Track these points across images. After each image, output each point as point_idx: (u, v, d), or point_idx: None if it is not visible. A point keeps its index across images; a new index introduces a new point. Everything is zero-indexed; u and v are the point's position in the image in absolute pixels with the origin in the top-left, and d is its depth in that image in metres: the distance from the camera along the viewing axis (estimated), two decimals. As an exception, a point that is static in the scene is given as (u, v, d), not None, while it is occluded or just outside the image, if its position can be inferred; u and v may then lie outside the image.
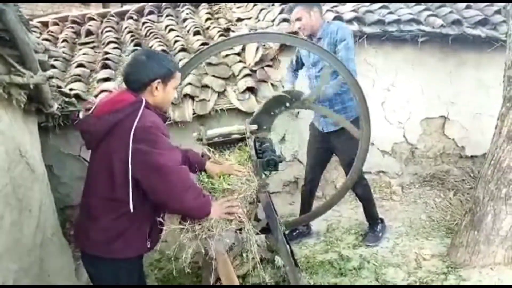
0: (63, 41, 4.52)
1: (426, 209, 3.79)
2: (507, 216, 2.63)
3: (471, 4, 4.41)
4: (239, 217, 2.03)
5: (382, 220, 3.36)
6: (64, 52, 4.21)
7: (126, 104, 1.61)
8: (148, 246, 1.81)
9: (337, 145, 3.10)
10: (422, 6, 4.34)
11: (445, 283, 2.68)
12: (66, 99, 2.99)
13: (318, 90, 2.73)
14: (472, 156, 4.56)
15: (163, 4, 5.28)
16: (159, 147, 1.58)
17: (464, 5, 4.39)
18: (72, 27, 4.93)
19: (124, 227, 1.66)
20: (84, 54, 4.19)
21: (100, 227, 1.65)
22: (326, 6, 4.21)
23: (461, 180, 4.27)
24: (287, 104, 2.71)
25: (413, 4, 4.42)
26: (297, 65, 3.27)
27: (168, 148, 1.63)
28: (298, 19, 2.96)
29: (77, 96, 3.28)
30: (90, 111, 1.68)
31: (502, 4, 4.30)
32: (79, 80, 3.60)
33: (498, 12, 4.26)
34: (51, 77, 2.44)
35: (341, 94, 2.95)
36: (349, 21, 3.97)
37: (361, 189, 3.19)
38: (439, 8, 4.36)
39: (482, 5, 4.43)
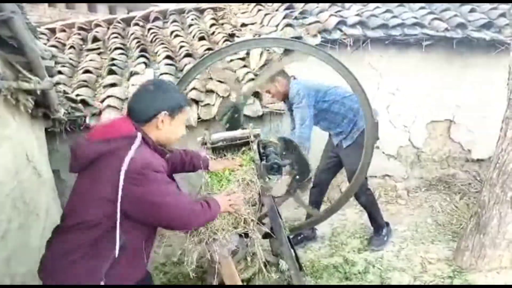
0: (70, 47, 4.58)
1: (432, 213, 3.77)
2: (513, 220, 2.61)
3: (476, 7, 4.41)
4: (245, 219, 2.05)
5: (387, 224, 3.35)
6: (71, 58, 4.26)
7: (119, 135, 1.46)
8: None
9: (344, 155, 3.13)
10: (426, 10, 4.35)
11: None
12: (73, 105, 3.04)
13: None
14: (478, 160, 4.54)
15: (168, 10, 5.33)
16: (153, 186, 1.45)
17: (468, 8, 4.38)
18: (79, 34, 4.99)
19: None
20: (90, 60, 4.24)
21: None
22: (330, 11, 4.24)
23: (468, 184, 4.24)
24: (284, 153, 2.63)
25: (417, 7, 4.43)
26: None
27: (164, 183, 1.50)
28: (267, 91, 3.20)
29: (83, 102, 3.32)
30: (87, 135, 1.53)
31: (507, 7, 4.31)
32: (86, 86, 3.64)
33: (502, 15, 4.26)
34: (58, 83, 2.49)
35: (344, 113, 3.03)
36: (353, 25, 3.99)
37: (364, 198, 3.19)
38: (443, 11, 4.36)
39: (486, 8, 4.42)
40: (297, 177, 2.58)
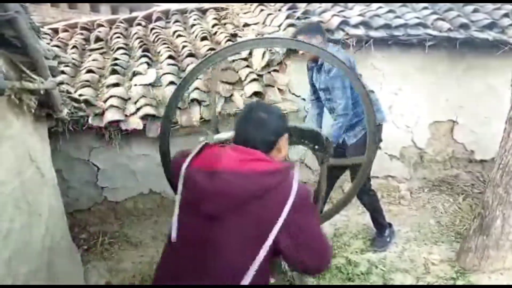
0: (73, 47, 4.59)
1: (435, 214, 3.76)
2: (517, 221, 2.60)
3: (479, 7, 4.39)
4: None
5: (390, 225, 3.34)
6: (73, 58, 4.26)
7: (275, 168, 1.33)
8: None
9: (349, 154, 3.08)
10: (430, 10, 4.33)
11: (454, 288, 2.66)
12: (76, 105, 3.04)
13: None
14: (481, 161, 4.52)
15: (171, 10, 5.33)
16: (314, 216, 1.40)
17: (471, 8, 4.37)
18: (82, 34, 4.99)
19: None
20: (93, 60, 4.25)
21: None
22: (333, 11, 4.23)
23: (471, 185, 4.23)
24: (316, 147, 2.59)
25: (420, 7, 4.42)
26: (315, 93, 3.26)
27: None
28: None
29: (86, 102, 3.33)
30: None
31: (511, 7, 4.29)
32: (89, 86, 3.64)
33: (506, 15, 4.24)
34: (61, 83, 2.49)
35: (356, 108, 2.94)
36: (356, 26, 3.98)
37: (367, 198, 3.18)
38: (446, 11, 4.35)
39: (489, 8, 4.40)
40: (316, 147, 2.46)
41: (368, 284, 2.79)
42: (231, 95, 3.77)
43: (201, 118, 3.54)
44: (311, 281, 2.80)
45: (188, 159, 1.39)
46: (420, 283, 2.77)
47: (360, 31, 3.93)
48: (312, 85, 3.23)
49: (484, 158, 4.49)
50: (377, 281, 2.81)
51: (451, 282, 2.72)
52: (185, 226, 1.35)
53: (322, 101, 3.17)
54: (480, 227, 2.79)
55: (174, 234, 1.35)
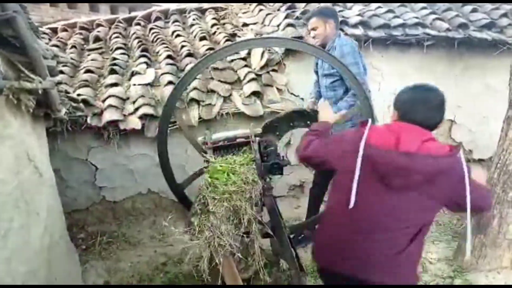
0: (71, 47, 4.59)
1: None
2: (514, 220, 2.61)
3: (478, 7, 4.40)
4: (248, 219, 2.06)
5: None
6: (72, 58, 4.27)
7: (448, 152, 1.54)
8: None
9: None
10: (428, 10, 4.34)
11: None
12: (74, 104, 3.03)
13: (342, 117, 2.66)
14: (479, 160, 4.53)
15: (170, 10, 5.33)
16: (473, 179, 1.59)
17: (470, 8, 4.38)
18: (81, 33, 5.00)
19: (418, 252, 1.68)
20: (92, 59, 4.25)
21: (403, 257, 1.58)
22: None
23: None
24: (308, 122, 2.70)
25: (419, 7, 4.43)
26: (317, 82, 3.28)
27: None
28: (314, 28, 3.01)
29: (85, 101, 3.33)
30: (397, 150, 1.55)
31: (509, 7, 4.30)
32: (87, 86, 3.65)
33: (504, 15, 4.25)
34: (59, 83, 2.49)
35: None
36: (355, 26, 3.99)
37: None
38: (445, 11, 4.36)
39: (488, 8, 4.41)
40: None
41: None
42: (230, 94, 3.78)
43: (200, 117, 3.54)
44: (308, 280, 2.80)
45: (364, 138, 1.60)
46: (418, 282, 2.77)
47: (359, 31, 3.94)
48: (316, 73, 3.25)
49: (482, 157, 4.50)
50: (375, 280, 2.81)
51: (448, 281, 2.72)
52: (364, 194, 1.57)
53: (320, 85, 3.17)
54: (477, 226, 2.80)
55: (353, 200, 1.56)
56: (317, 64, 3.20)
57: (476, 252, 2.78)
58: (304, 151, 1.88)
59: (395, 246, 1.57)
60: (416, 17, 4.15)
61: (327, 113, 2.26)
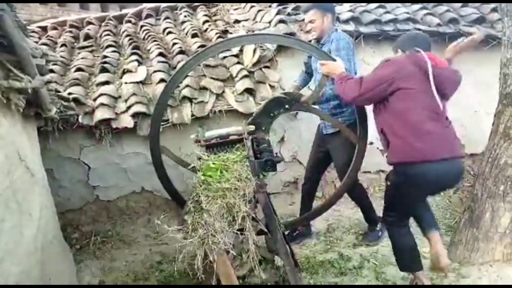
0: (62, 45, 4.54)
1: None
2: (505, 213, 2.63)
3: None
4: (242, 216, 2.06)
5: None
6: (62, 57, 4.23)
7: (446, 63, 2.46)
8: None
9: (331, 148, 3.12)
10: (419, 5, 4.36)
11: (445, 280, 2.69)
12: (65, 103, 3.01)
13: (316, 93, 2.75)
14: (471, 154, 4.56)
15: (161, 7, 5.29)
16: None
17: (460, 3, 4.40)
18: (71, 32, 4.95)
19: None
20: (82, 58, 4.21)
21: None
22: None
23: (461, 178, 4.26)
24: (287, 106, 2.73)
25: (409, 3, 4.44)
26: (307, 69, 3.30)
27: None
28: (311, 21, 3.01)
29: (76, 100, 3.30)
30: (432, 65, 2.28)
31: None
32: (78, 84, 3.62)
33: (494, 10, 4.28)
34: (49, 82, 2.47)
35: (340, 98, 2.96)
36: (346, 21, 4.00)
37: (356, 193, 3.22)
38: (435, 6, 4.38)
39: (478, 3, 4.44)
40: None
41: (361, 278, 2.81)
42: (223, 91, 3.77)
43: (192, 115, 3.53)
44: (304, 276, 2.82)
45: (428, 61, 2.28)
46: (412, 276, 2.79)
47: (350, 27, 3.95)
48: (305, 64, 3.28)
49: (474, 151, 4.53)
50: (369, 275, 2.83)
51: (442, 275, 2.74)
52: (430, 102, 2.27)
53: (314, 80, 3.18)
54: (470, 220, 2.83)
55: (440, 106, 2.30)
56: (310, 57, 3.20)
57: (469, 245, 2.81)
58: (356, 92, 2.36)
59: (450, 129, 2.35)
60: (407, 13, 4.17)
61: (338, 65, 2.59)
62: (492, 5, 4.33)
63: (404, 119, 2.26)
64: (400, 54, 2.53)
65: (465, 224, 2.87)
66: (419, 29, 4.01)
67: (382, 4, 4.29)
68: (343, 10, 4.15)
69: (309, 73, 3.31)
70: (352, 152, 2.83)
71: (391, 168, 3.42)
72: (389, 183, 2.51)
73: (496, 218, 2.68)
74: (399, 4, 4.39)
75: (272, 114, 2.74)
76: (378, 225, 3.30)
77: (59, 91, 3.01)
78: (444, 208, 3.74)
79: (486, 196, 2.72)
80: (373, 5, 4.26)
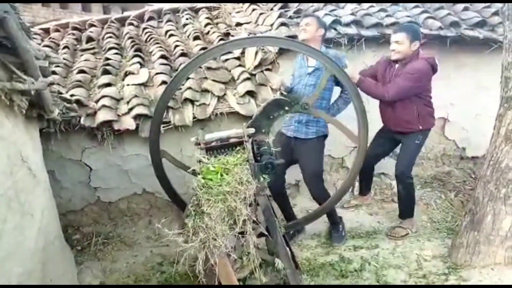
0: (64, 47, 4.56)
1: (427, 211, 3.79)
2: (507, 216, 2.63)
3: (469, 6, 4.43)
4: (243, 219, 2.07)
5: (341, 219, 3.41)
6: (65, 59, 4.24)
7: None
8: None
9: (302, 153, 3.15)
10: (420, 9, 4.36)
11: (446, 284, 2.69)
12: (67, 105, 3.02)
13: (316, 93, 2.78)
14: (473, 157, 4.57)
15: (163, 9, 5.32)
16: None
17: (462, 7, 4.41)
18: (73, 34, 4.97)
19: None
20: (85, 60, 4.23)
21: None
22: (325, 10, 4.25)
23: (462, 181, 4.27)
24: (286, 108, 2.75)
25: (411, 6, 4.45)
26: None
27: None
28: (307, 24, 3.11)
29: (78, 102, 3.31)
30: None
31: (499, 5, 4.33)
32: (80, 86, 3.63)
33: (496, 13, 4.28)
34: (52, 83, 2.47)
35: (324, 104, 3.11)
36: (348, 25, 4.00)
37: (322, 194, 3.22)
38: (437, 10, 4.38)
39: (480, 6, 4.45)
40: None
41: (362, 281, 2.81)
42: (224, 94, 3.78)
43: (194, 117, 3.53)
44: (304, 278, 2.82)
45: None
46: (413, 279, 2.79)
47: (352, 30, 3.96)
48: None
49: (475, 155, 4.53)
50: (370, 278, 2.83)
51: (443, 278, 2.74)
52: None
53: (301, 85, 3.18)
54: (471, 223, 2.83)
55: None
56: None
57: (470, 249, 2.80)
58: (391, 95, 3.08)
59: None
60: (408, 16, 4.17)
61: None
62: (493, 8, 4.34)
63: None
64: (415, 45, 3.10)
65: (467, 227, 2.86)
66: (421, 33, 4.00)
67: (383, 7, 4.30)
68: (345, 13, 4.16)
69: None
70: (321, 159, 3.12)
71: (393, 171, 3.48)
72: (416, 142, 3.25)
73: (498, 222, 2.67)
74: (400, 8, 4.40)
75: (271, 117, 2.75)
76: (340, 226, 3.35)
77: (61, 93, 3.03)
78: (445, 211, 3.74)
79: (488, 199, 2.72)
80: (374, 9, 4.27)
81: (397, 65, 3.20)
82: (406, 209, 3.43)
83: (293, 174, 4.10)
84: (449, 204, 3.86)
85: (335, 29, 3.97)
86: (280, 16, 4.19)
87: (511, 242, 2.63)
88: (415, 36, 3.10)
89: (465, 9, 4.39)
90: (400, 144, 3.38)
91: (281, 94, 3.03)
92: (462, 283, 2.66)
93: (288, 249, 2.48)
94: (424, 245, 3.19)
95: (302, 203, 4.00)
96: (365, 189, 3.91)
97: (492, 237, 2.70)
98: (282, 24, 4.04)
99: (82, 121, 3.28)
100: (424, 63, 3.09)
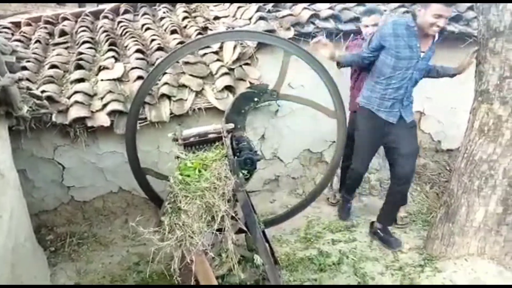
0: (36, 41, 4.39)
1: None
2: (480, 208, 2.69)
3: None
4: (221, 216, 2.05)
5: None
6: (37, 53, 4.10)
7: None
8: None
9: (403, 134, 3.00)
10: (398, 3, 4.39)
11: (421, 275, 2.74)
12: (38, 102, 2.91)
13: (281, 79, 2.79)
14: (448, 150, 4.65)
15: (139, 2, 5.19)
16: None
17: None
18: (46, 28, 4.80)
19: None
20: (57, 54, 4.09)
21: None
22: (303, 4, 4.23)
23: (438, 174, 4.35)
24: (256, 99, 2.74)
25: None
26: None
27: None
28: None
29: (49, 98, 3.20)
30: None
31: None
32: (52, 82, 3.50)
33: (470, 8, 4.35)
34: (20, 79, 2.38)
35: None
36: (326, 19, 3.99)
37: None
38: (413, 5, 4.42)
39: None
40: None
41: (340, 274, 2.84)
42: (202, 89, 3.72)
43: (171, 113, 3.47)
44: (284, 273, 2.81)
45: None
46: (389, 271, 2.84)
47: (330, 24, 3.95)
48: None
49: (450, 147, 4.62)
50: (347, 271, 2.86)
51: (419, 270, 2.79)
52: None
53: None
54: (446, 215, 2.88)
55: None
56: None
57: (445, 240, 2.86)
58: None
59: None
60: (386, 10, 4.19)
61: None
62: (469, 4, 4.41)
63: None
64: None
65: (442, 219, 2.92)
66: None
67: (363, 2, 4.31)
68: (323, 7, 4.15)
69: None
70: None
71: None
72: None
73: (471, 213, 2.73)
74: (378, 2, 4.42)
75: (243, 111, 2.75)
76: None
77: (31, 89, 2.91)
78: (420, 203, 3.81)
79: (462, 191, 2.77)
80: (352, 3, 4.27)
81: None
82: (395, 212, 3.30)
83: (273, 169, 4.10)
84: (424, 196, 3.93)
85: (313, 23, 3.95)
86: (258, 10, 4.14)
87: (483, 233, 2.70)
88: None
89: (441, 4, 4.44)
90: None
91: (249, 87, 3.02)
92: (438, 274, 2.71)
93: (267, 244, 2.48)
94: (401, 238, 3.24)
95: (282, 198, 4.00)
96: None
97: (466, 228, 2.76)
98: (261, 18, 4.00)
99: (53, 118, 3.17)
100: None
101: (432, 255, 2.93)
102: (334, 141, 3.54)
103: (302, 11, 4.02)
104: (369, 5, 3.45)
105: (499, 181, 2.57)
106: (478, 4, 2.83)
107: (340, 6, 4.18)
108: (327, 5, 4.19)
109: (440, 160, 4.58)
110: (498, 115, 2.55)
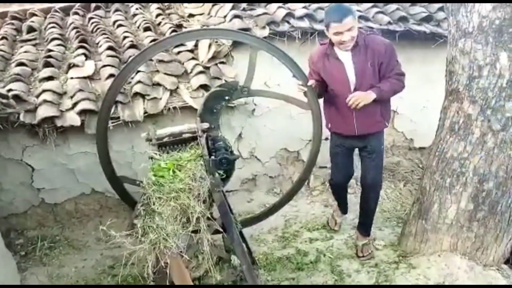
0: (2, 38, 4.22)
1: (378, 200, 3.90)
2: (452, 205, 2.75)
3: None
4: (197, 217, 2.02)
5: None
6: (3, 50, 3.93)
7: None
8: None
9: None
10: (370, 4, 4.45)
11: (396, 272, 2.79)
12: (4, 101, 2.78)
13: (250, 75, 2.74)
14: (420, 148, 4.76)
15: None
16: None
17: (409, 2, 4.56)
18: (13, 24, 4.61)
19: None
20: (25, 52, 3.94)
21: None
22: (278, 3, 4.22)
23: (411, 171, 4.45)
24: (227, 97, 2.72)
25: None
26: None
27: None
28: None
29: (16, 97, 3.07)
30: None
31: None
32: (19, 80, 3.37)
33: (441, 9, 4.46)
34: (-17, 78, 2.27)
35: None
36: (300, 18, 4.00)
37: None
38: (386, 5, 4.50)
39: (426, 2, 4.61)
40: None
41: (317, 272, 2.85)
42: (177, 88, 3.66)
43: (145, 112, 3.40)
44: (261, 273, 2.80)
45: None
46: (365, 268, 2.87)
47: (305, 24, 3.96)
48: None
49: (422, 145, 4.72)
50: (325, 269, 2.88)
51: (393, 266, 2.84)
52: None
53: None
54: (419, 212, 2.94)
55: None
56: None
57: (418, 237, 2.92)
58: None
59: None
60: (359, 11, 4.24)
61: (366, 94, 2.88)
62: (439, 4, 4.52)
63: None
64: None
65: (415, 216, 2.98)
66: (370, 27, 4.10)
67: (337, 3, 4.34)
68: (298, 6, 4.16)
69: None
70: None
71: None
72: (382, 142, 2.94)
73: (443, 210, 2.79)
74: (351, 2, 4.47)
75: (215, 110, 2.72)
76: None
77: (-4, 88, 2.79)
78: (394, 200, 3.88)
79: (434, 188, 2.83)
80: (326, 3, 4.30)
81: (342, 52, 2.80)
82: (371, 222, 3.10)
83: (250, 168, 4.08)
84: (398, 193, 4.01)
85: (288, 22, 3.95)
86: (233, 8, 4.11)
87: (456, 229, 2.77)
88: (355, 12, 2.69)
89: (413, 4, 4.54)
90: (362, 150, 2.92)
91: (218, 85, 2.98)
92: (412, 271, 2.77)
93: (244, 245, 2.46)
94: (376, 235, 3.29)
95: (259, 197, 4.00)
96: (343, 209, 3.44)
97: (439, 225, 2.82)
98: (236, 16, 3.97)
99: (21, 118, 3.05)
100: (380, 36, 2.88)
101: (406, 251, 2.98)
102: (310, 140, 3.55)
103: (277, 10, 4.02)
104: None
105: (470, 178, 2.64)
106: (448, 4, 2.90)
107: (314, 5, 4.20)
108: (302, 4, 4.20)
109: (413, 158, 4.68)
110: (468, 114, 2.61)
